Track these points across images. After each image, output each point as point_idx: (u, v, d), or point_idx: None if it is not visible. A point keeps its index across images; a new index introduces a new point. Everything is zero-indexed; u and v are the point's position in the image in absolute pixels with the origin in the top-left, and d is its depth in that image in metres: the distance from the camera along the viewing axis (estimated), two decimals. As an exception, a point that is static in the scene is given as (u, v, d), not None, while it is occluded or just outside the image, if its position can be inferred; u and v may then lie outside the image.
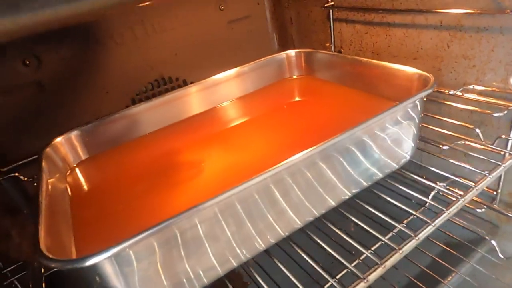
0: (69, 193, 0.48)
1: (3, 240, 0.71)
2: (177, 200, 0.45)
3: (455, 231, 0.67)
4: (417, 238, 0.44)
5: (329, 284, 0.42)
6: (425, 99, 0.47)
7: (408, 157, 0.51)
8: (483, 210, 0.67)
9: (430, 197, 0.59)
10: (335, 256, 0.44)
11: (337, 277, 0.44)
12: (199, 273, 0.38)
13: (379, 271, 0.41)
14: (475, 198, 0.68)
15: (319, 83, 0.69)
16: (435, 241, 0.65)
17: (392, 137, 0.47)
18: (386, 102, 0.54)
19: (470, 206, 0.68)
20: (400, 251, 0.43)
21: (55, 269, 0.62)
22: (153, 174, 0.52)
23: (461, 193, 0.49)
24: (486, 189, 0.66)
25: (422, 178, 0.56)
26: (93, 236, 0.40)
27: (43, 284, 0.61)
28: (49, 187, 0.42)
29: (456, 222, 0.68)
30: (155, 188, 0.49)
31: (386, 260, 0.42)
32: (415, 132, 0.49)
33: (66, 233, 0.39)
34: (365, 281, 0.39)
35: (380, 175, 0.49)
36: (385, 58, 0.74)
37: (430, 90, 0.44)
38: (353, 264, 0.42)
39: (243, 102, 0.70)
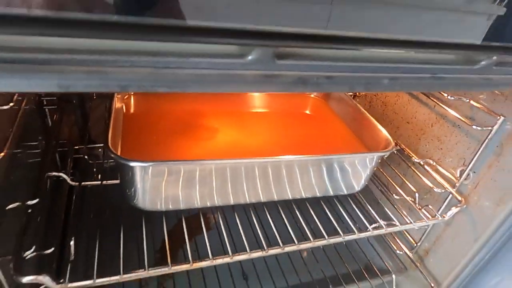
0: (124, 110, 0.68)
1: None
2: (191, 149, 0.65)
3: (373, 257, 0.86)
4: (342, 237, 0.63)
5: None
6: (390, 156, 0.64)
7: (357, 190, 0.70)
8: (401, 253, 0.85)
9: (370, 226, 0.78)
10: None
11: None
12: (186, 200, 0.58)
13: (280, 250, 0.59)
14: (399, 242, 0.86)
15: (327, 109, 0.86)
16: (353, 254, 0.84)
17: (351, 172, 0.65)
18: (360, 147, 0.72)
19: (394, 246, 0.87)
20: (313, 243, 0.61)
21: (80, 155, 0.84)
22: (179, 120, 0.72)
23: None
24: (410, 237, 0.84)
25: (366, 208, 0.74)
26: (132, 144, 0.60)
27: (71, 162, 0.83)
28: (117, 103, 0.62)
29: (377, 250, 0.87)
30: (176, 131, 0.68)
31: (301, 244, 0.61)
32: (368, 174, 0.67)
33: (117, 135, 0.59)
34: (265, 251, 0.57)
35: (331, 193, 0.68)
36: (390, 112, 0.91)
37: (386, 154, 0.61)
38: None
39: (270, 97, 0.88)
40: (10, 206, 0.48)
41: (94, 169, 0.87)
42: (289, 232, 0.62)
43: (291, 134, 0.79)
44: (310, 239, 0.60)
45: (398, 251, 0.86)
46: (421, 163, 0.78)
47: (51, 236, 0.58)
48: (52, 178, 0.61)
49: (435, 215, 0.70)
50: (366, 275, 0.81)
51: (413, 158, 0.79)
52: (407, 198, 0.76)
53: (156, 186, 0.54)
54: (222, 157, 0.60)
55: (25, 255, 0.46)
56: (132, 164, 0.49)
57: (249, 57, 0.27)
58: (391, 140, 0.66)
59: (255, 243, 0.60)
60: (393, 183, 0.82)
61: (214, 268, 0.79)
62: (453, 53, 0.35)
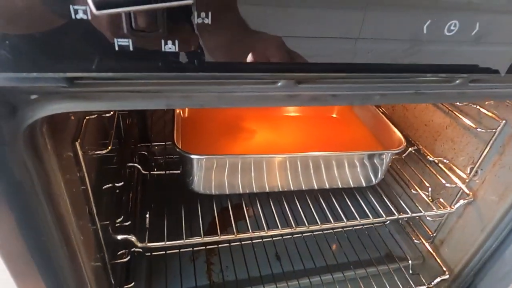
0: (181, 115, 0.85)
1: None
2: (233, 146, 0.80)
3: (393, 246, 0.96)
4: (358, 221, 0.75)
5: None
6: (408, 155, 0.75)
7: (374, 183, 0.81)
8: (419, 242, 0.95)
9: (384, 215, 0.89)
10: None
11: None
12: (230, 186, 0.73)
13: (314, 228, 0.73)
14: (417, 233, 0.96)
15: (351, 113, 0.98)
16: (375, 244, 0.95)
17: (369, 167, 0.77)
18: (377, 146, 0.83)
19: (412, 236, 0.97)
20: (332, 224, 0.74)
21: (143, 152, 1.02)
22: (224, 123, 0.88)
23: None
24: (427, 228, 0.94)
25: (384, 201, 0.86)
26: (188, 141, 0.77)
27: (137, 157, 1.02)
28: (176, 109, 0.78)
29: (397, 241, 0.97)
30: (222, 132, 0.84)
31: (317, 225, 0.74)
32: (383, 169, 0.78)
33: (178, 135, 0.76)
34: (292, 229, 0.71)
35: (351, 185, 0.80)
36: (410, 115, 1.00)
37: (396, 151, 0.73)
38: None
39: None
40: (105, 187, 0.66)
41: (152, 164, 1.05)
42: (314, 216, 0.75)
43: (320, 135, 0.92)
44: (331, 221, 0.73)
45: (416, 241, 0.96)
46: (436, 161, 0.87)
47: (130, 211, 0.76)
48: (129, 168, 0.79)
49: (445, 206, 0.80)
50: (385, 260, 0.92)
51: (429, 157, 0.89)
52: (422, 192, 0.86)
53: (208, 174, 0.69)
54: (259, 153, 0.74)
55: (117, 221, 0.63)
56: (192, 156, 0.65)
57: (279, 84, 0.41)
58: (403, 140, 0.77)
59: (286, 223, 0.74)
60: (411, 180, 0.92)
61: (253, 249, 0.94)
62: (434, 76, 0.47)
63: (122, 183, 0.68)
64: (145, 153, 1.08)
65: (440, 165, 0.87)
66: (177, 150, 0.66)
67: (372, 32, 0.34)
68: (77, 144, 0.51)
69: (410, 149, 0.92)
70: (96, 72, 0.27)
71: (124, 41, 0.27)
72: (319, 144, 0.87)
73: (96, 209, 0.60)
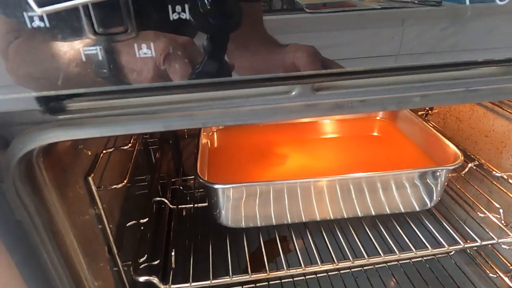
0: (209, 145, 0.82)
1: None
2: (266, 175, 0.74)
3: (463, 282, 0.81)
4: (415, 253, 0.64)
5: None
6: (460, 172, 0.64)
7: (430, 206, 0.69)
8: (496, 276, 0.79)
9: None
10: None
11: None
12: (262, 218, 0.66)
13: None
14: (493, 265, 0.80)
15: (395, 130, 0.88)
16: (439, 280, 0.81)
17: (421, 188, 0.66)
18: (430, 163, 0.72)
19: (485, 268, 0.81)
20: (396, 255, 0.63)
21: (177, 186, 0.99)
22: (254, 150, 0.82)
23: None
24: (503, 259, 0.78)
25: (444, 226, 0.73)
26: (216, 172, 0.72)
27: (169, 191, 0.99)
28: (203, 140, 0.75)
29: (467, 274, 0.82)
30: (252, 160, 0.78)
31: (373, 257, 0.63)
32: (439, 190, 0.66)
33: (204, 166, 0.71)
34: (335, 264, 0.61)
35: (402, 210, 0.69)
36: (465, 127, 0.88)
37: (451, 168, 0.62)
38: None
39: (338, 122, 0.93)
40: (129, 224, 0.62)
41: (188, 198, 1.02)
42: (360, 248, 0.65)
43: (360, 156, 0.83)
44: (380, 254, 0.62)
45: (491, 274, 0.80)
46: (504, 177, 0.74)
47: (157, 248, 0.72)
48: (157, 203, 0.76)
49: (524, 231, 0.66)
50: (455, 299, 0.77)
51: (495, 172, 0.75)
52: (492, 214, 0.72)
53: (236, 205, 0.63)
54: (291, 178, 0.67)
55: (140, 261, 0.59)
56: (215, 186, 0.60)
57: (293, 93, 0.35)
58: (460, 154, 0.65)
59: (328, 257, 0.65)
60: (476, 201, 0.78)
61: (293, 284, 0.84)
62: (489, 68, 0.38)
63: (147, 219, 0.65)
64: (180, 187, 1.05)
65: (510, 181, 0.73)
66: (201, 181, 0.61)
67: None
68: (90, 179, 0.48)
69: (470, 164, 0.79)
70: (64, 89, 0.24)
71: (91, 50, 0.23)
72: (360, 166, 0.78)
73: (119, 249, 0.56)
